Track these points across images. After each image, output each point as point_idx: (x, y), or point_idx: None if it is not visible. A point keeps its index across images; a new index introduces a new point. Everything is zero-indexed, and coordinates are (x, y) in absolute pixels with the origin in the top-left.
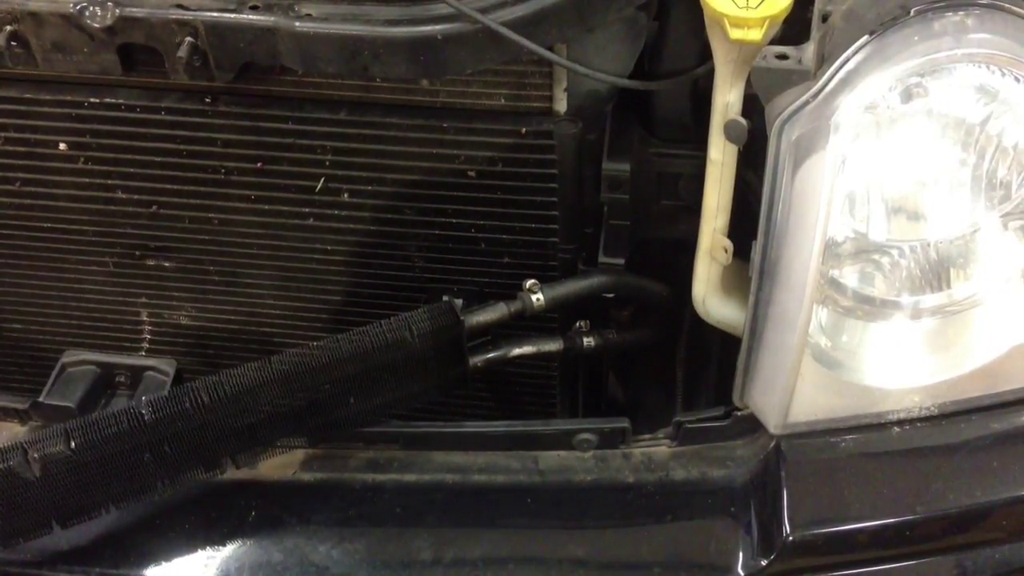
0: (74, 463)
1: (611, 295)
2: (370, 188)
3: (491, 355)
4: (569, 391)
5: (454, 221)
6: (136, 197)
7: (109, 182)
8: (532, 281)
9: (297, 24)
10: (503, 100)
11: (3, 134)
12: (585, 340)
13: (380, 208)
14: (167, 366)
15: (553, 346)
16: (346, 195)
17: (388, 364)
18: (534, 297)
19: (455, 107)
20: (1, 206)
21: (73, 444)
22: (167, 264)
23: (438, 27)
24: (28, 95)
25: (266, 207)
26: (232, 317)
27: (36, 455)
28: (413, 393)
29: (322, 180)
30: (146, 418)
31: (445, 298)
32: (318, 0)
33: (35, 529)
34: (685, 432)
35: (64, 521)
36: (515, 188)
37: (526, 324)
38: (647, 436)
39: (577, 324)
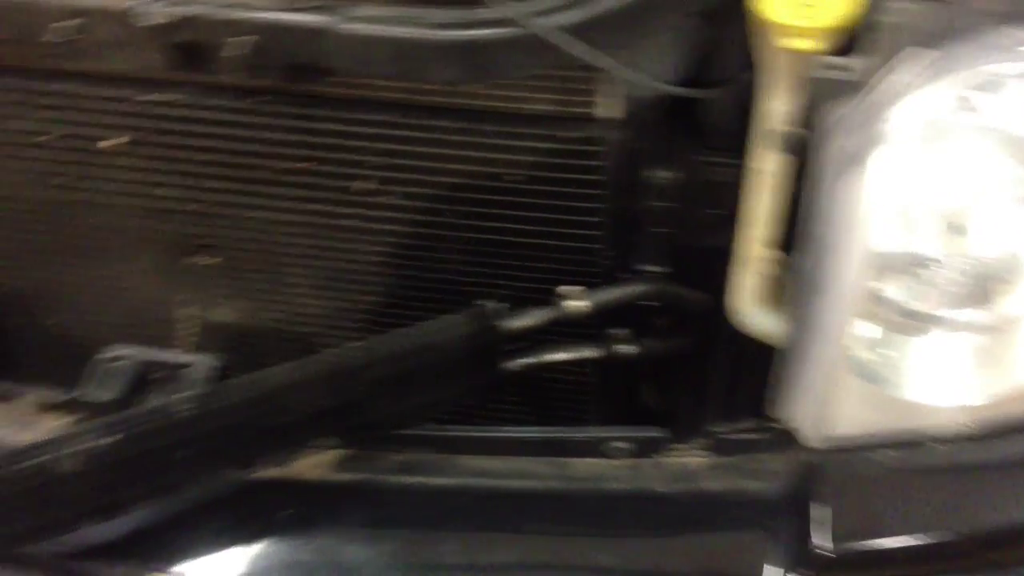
0: (110, 458)
1: (652, 303)
2: (412, 190)
3: (527, 360)
4: (603, 398)
5: (495, 225)
6: (181, 195)
7: (155, 179)
8: (573, 287)
9: (347, 26)
10: (549, 105)
11: (53, 129)
12: (623, 347)
13: (421, 210)
14: (206, 363)
15: (590, 353)
16: (387, 197)
17: (423, 367)
18: (575, 303)
19: (500, 111)
20: (48, 200)
21: (110, 439)
22: (209, 261)
23: (488, 31)
24: (78, 91)
25: (309, 207)
26: (272, 315)
27: (73, 449)
28: (447, 397)
29: (364, 181)
30: (184, 415)
31: (483, 302)
32: (367, 1)
33: (68, 524)
34: (720, 443)
35: (97, 516)
36: (559, 194)
37: (562, 330)
38: (681, 446)
39: (614, 331)
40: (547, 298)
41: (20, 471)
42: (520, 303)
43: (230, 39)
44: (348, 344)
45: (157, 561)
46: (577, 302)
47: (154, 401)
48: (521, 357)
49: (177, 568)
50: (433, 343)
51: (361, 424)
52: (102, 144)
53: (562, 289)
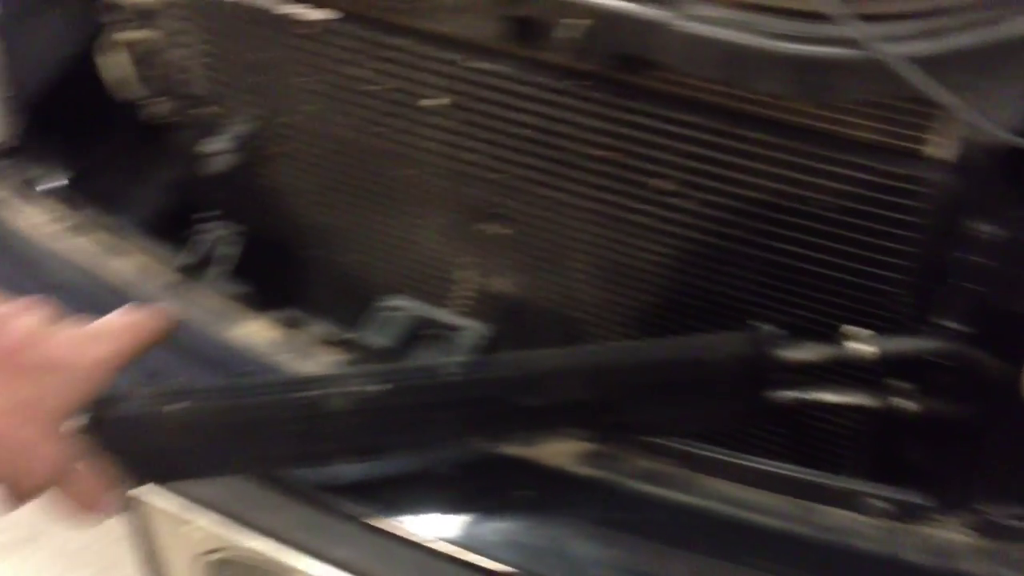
0: (376, 405)
1: (944, 362)
2: (710, 197)
3: (795, 395)
4: (865, 449)
5: (789, 248)
6: (485, 162)
7: (464, 143)
8: (860, 329)
9: (682, 23)
10: (874, 133)
11: (383, 80)
12: (903, 403)
13: (714, 219)
14: (479, 330)
15: (867, 401)
16: (683, 199)
17: (688, 380)
18: (861, 346)
19: (819, 131)
20: (363, 147)
21: (380, 387)
22: (498, 231)
23: (828, 49)
24: (412, 47)
25: (603, 195)
26: (547, 295)
27: (344, 389)
28: (706, 415)
29: (663, 180)
30: (451, 378)
31: (759, 325)
32: (706, 1)
33: (326, 457)
34: (987, 525)
35: (352, 456)
36: (868, 230)
37: (840, 370)
38: (943, 518)
39: (897, 383)
40: (826, 333)
41: (294, 399)
42: (799, 333)
43: (565, 20)
44: (616, 340)
45: (393, 510)
46: (864, 345)
47: (424, 358)
48: (789, 390)
49: (411, 518)
50: (703, 357)
51: (613, 423)
52: (424, 102)
53: (848, 329)
